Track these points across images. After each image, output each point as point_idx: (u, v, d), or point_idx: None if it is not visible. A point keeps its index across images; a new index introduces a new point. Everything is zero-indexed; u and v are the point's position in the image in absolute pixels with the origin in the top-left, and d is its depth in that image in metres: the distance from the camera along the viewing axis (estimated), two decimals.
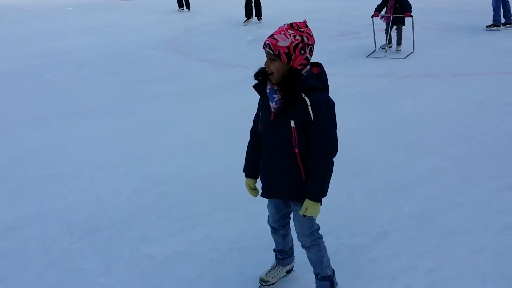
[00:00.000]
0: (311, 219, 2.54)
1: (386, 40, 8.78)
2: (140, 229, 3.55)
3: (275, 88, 2.32)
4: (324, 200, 2.37)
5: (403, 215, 3.56)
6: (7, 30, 14.07)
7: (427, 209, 3.62)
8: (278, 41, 2.21)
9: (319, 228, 2.63)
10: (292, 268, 3.01)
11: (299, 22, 2.27)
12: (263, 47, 2.26)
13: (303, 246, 2.65)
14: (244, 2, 12.86)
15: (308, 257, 2.69)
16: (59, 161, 4.80)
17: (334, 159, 2.33)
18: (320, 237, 2.65)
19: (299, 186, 2.39)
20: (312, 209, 2.36)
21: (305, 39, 2.23)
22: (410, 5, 8.33)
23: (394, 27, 8.60)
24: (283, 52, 2.21)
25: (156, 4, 17.32)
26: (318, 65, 2.39)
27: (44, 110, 6.42)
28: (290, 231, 2.83)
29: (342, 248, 3.19)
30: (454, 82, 6.85)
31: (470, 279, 2.88)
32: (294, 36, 2.21)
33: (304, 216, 2.41)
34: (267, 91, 2.35)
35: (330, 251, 2.73)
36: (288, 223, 2.78)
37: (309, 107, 2.23)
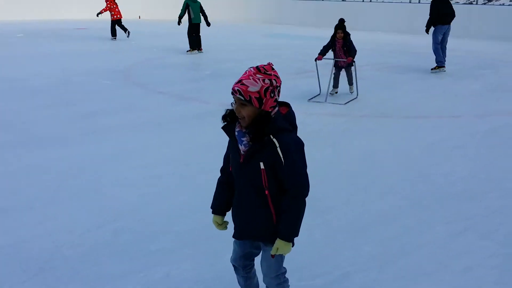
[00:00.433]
0: (279, 262, 2.50)
1: (329, 84, 8.40)
2: (95, 268, 3.38)
3: (244, 131, 2.30)
4: None
5: (364, 255, 3.56)
6: None
7: (388, 250, 3.63)
8: (248, 86, 2.20)
9: (286, 271, 2.59)
10: None
11: (265, 65, 2.27)
12: (232, 93, 2.24)
13: None
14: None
15: None
16: (9, 193, 4.56)
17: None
18: (286, 280, 2.61)
19: (270, 227, 2.36)
20: (284, 249, 2.34)
21: (274, 82, 2.24)
22: (356, 50, 8.23)
23: (343, 70, 8.57)
24: (254, 97, 2.20)
25: (108, 33, 17.18)
26: (287, 105, 2.40)
27: None
28: (255, 275, 2.77)
29: None
30: (407, 123, 7.08)
31: None
32: (263, 80, 2.21)
33: (273, 256, 2.37)
34: (236, 133, 2.33)
35: None
36: (250, 265, 2.72)
37: (278, 149, 2.23)
